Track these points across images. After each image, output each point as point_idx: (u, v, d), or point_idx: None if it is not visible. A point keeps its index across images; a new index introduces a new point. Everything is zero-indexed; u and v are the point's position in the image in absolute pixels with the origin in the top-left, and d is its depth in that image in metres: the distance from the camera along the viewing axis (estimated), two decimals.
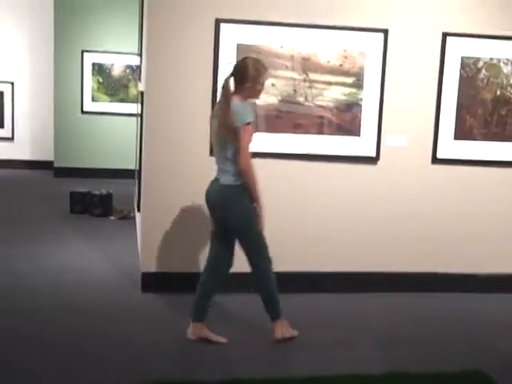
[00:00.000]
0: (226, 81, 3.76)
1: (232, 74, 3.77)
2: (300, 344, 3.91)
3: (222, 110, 3.73)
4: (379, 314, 4.56)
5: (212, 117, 3.95)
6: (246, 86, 3.72)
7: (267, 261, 3.85)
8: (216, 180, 3.82)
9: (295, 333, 3.93)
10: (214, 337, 3.86)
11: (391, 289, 4.93)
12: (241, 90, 3.73)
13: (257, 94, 3.82)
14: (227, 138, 3.67)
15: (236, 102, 3.69)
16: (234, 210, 3.74)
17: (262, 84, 3.77)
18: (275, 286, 3.87)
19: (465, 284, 5.02)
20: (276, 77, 4.62)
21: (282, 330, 3.88)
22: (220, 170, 3.80)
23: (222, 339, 3.86)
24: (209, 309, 3.90)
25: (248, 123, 3.65)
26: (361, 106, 4.74)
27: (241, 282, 4.33)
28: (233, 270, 3.98)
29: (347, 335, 4.12)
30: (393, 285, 4.94)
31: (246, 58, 3.83)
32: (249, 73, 3.71)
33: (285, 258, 4.65)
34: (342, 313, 4.54)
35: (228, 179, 3.73)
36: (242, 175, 3.69)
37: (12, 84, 10.69)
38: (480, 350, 3.97)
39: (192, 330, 3.88)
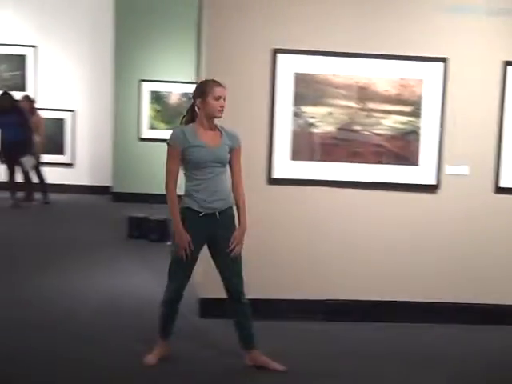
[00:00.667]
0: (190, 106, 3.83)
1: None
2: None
3: None
4: (453, 347, 4.47)
5: None
6: (196, 104, 3.74)
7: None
8: None
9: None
10: (271, 364, 3.85)
11: (457, 320, 4.83)
12: (198, 110, 3.75)
13: (211, 110, 3.68)
14: None
15: None
16: None
17: (214, 98, 3.66)
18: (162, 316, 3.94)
19: None
20: (333, 105, 4.64)
21: None
22: None
23: (279, 366, 3.84)
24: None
25: (168, 144, 3.75)
26: (419, 134, 4.71)
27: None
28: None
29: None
30: (458, 315, 4.84)
31: None
32: (194, 92, 3.76)
33: (339, 286, 4.63)
34: (413, 344, 4.47)
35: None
36: None
37: (73, 112, 11.02)
38: None
39: (249, 357, 3.88)
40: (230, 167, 3.81)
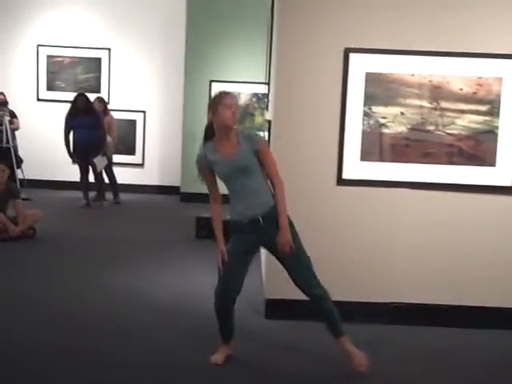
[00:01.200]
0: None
1: None
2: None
3: None
4: None
5: None
6: (211, 119, 3.79)
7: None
8: None
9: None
10: (355, 358, 3.79)
11: None
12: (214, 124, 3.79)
13: (223, 119, 3.69)
14: None
15: None
16: None
17: (225, 108, 3.66)
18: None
19: None
20: (405, 105, 4.54)
21: None
22: None
23: (362, 363, 3.78)
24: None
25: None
26: (496, 134, 4.54)
27: None
28: None
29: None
30: None
31: None
32: (208, 108, 3.80)
33: (406, 289, 4.51)
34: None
35: None
36: None
37: (144, 113, 11.23)
38: None
39: (337, 344, 3.85)
40: (263, 167, 3.76)
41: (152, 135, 11.30)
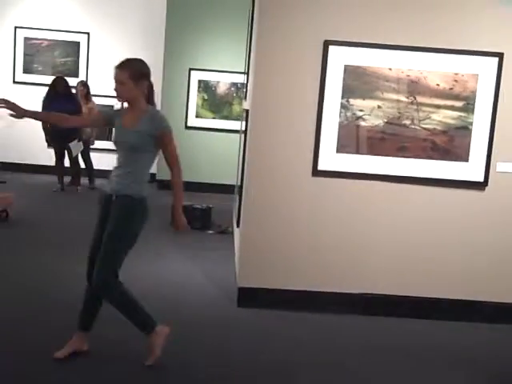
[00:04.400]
0: None
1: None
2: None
3: None
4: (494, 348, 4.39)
5: None
6: None
7: None
8: None
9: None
10: None
11: (499, 320, 4.76)
12: None
13: None
14: None
15: None
16: None
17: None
18: None
19: None
20: (382, 99, 4.58)
21: None
22: None
23: None
24: None
25: None
26: (470, 130, 4.61)
27: None
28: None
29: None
30: (501, 315, 4.77)
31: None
32: None
33: (380, 281, 4.57)
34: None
35: None
36: None
37: None
38: None
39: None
40: (164, 153, 3.65)
41: None
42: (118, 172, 3.62)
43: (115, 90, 3.57)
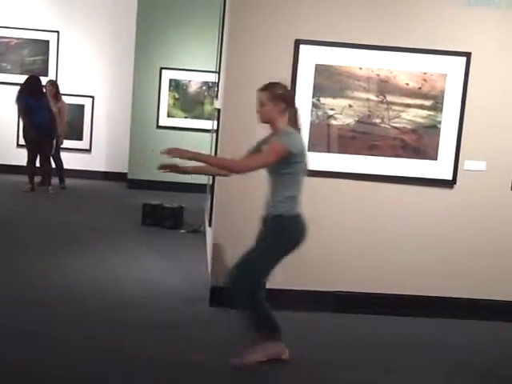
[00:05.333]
0: None
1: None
2: None
3: None
4: (447, 338, 4.45)
5: None
6: None
7: None
8: None
9: None
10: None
11: (459, 316, 4.83)
12: None
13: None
14: None
15: None
16: None
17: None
18: None
19: None
20: (353, 98, 4.62)
21: None
22: None
23: None
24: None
25: None
26: (439, 129, 4.67)
27: None
28: None
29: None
30: (468, 312, 4.84)
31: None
32: None
33: (347, 279, 4.60)
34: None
35: None
36: None
37: (92, 98, 11.06)
38: None
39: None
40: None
41: (100, 121, 11.14)
42: (269, 195, 3.74)
43: (257, 111, 3.69)
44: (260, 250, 3.71)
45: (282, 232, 3.67)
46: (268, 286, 4.62)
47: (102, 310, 4.55)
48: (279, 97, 3.62)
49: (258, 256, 3.71)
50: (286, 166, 3.59)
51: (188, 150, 3.63)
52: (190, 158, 3.62)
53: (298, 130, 3.71)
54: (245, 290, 3.70)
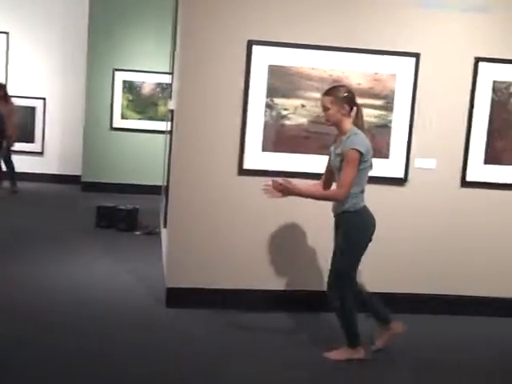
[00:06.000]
0: None
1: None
2: None
3: None
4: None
5: None
6: None
7: None
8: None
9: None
10: None
11: (411, 310, 4.88)
12: None
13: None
14: None
15: None
16: None
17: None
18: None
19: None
20: (306, 98, 4.66)
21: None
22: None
23: None
24: None
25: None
26: (390, 128, 4.75)
27: None
28: None
29: None
30: (415, 307, 4.92)
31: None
32: None
33: (305, 278, 4.64)
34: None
35: None
36: None
37: (44, 100, 10.89)
38: None
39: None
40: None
41: (52, 123, 10.98)
42: None
43: (324, 115, 3.88)
44: (340, 252, 3.88)
45: (353, 227, 3.85)
46: (224, 287, 4.63)
47: (55, 313, 4.49)
48: (342, 100, 3.81)
49: (341, 259, 3.88)
50: None
51: (295, 188, 3.85)
52: (297, 195, 3.88)
53: (362, 127, 3.88)
54: (343, 294, 3.86)
